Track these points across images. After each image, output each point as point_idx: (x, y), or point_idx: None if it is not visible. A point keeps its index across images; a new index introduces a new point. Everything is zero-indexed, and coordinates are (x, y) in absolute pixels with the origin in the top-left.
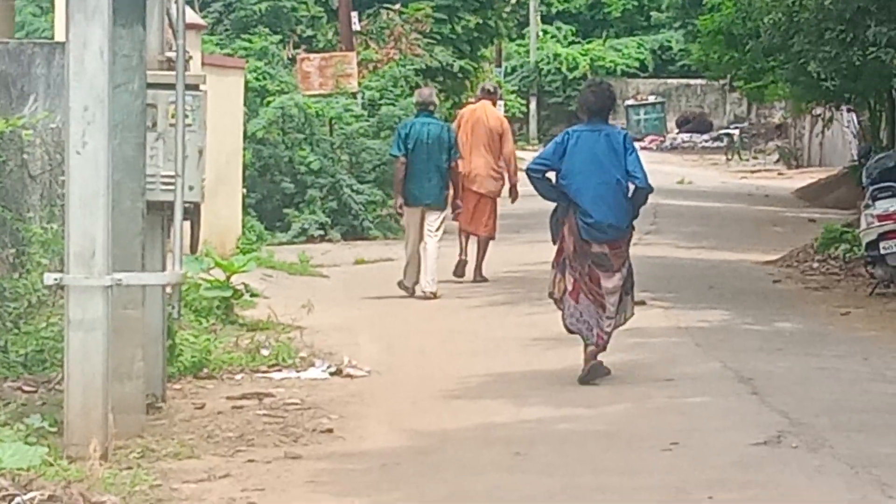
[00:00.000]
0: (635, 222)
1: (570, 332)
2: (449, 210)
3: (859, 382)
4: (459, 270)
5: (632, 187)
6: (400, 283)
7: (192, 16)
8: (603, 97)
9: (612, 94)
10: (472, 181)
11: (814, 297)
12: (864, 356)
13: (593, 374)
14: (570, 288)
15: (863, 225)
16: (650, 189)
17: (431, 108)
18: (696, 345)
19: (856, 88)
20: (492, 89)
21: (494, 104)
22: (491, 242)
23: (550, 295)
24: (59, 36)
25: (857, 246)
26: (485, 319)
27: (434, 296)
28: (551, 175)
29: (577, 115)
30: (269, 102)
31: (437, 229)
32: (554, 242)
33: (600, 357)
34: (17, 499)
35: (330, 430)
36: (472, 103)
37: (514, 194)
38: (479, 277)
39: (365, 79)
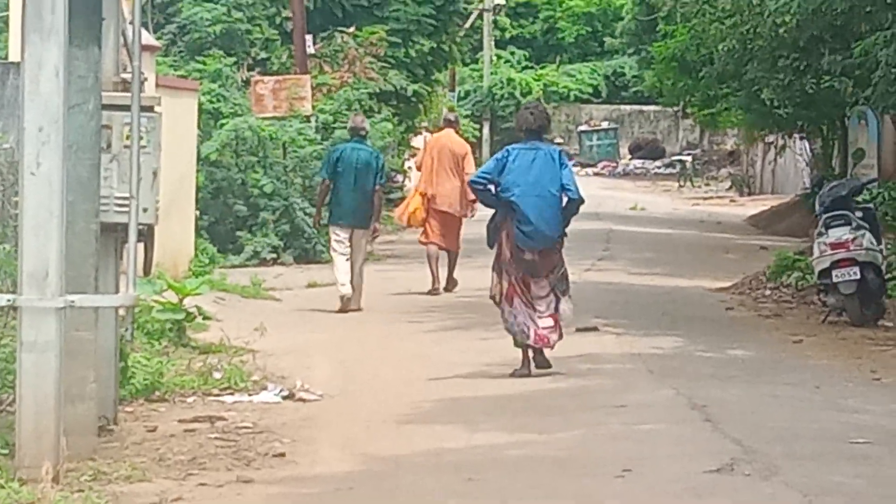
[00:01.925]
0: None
1: (509, 332)
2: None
3: (812, 410)
4: (434, 289)
5: (565, 199)
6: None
7: (146, 37)
8: (540, 118)
9: (547, 115)
10: (442, 202)
11: (766, 325)
12: (817, 384)
13: (538, 364)
14: (505, 292)
15: (815, 253)
16: (582, 200)
17: (363, 133)
18: (648, 371)
19: (809, 116)
20: (453, 118)
21: (457, 132)
22: (442, 268)
23: (492, 297)
24: (13, 56)
25: (810, 274)
26: (438, 344)
27: (359, 310)
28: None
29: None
30: (222, 125)
31: (362, 250)
32: (490, 247)
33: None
34: None
35: (282, 455)
36: (425, 128)
37: (472, 210)
38: (450, 286)
39: (319, 102)
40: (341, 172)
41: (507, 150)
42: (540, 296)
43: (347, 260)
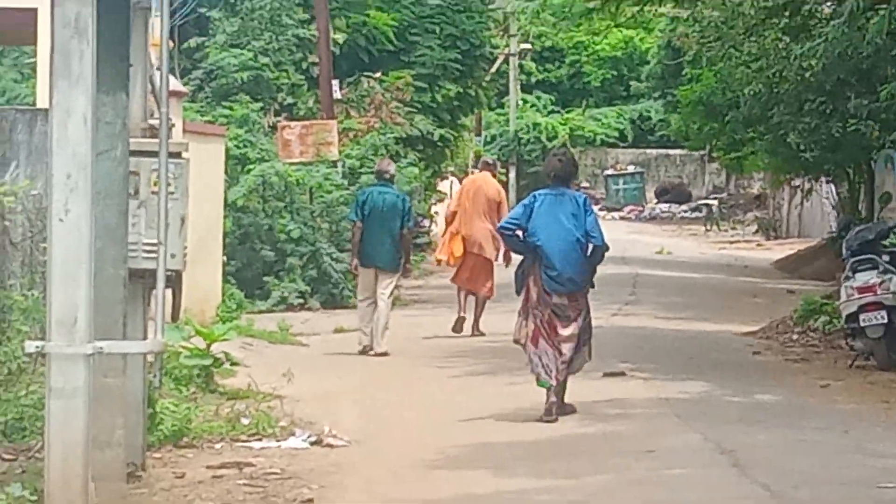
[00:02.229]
0: (616, 291)
1: (534, 373)
2: (399, 274)
3: (840, 455)
4: (458, 326)
5: (590, 246)
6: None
7: (174, 83)
8: (567, 164)
9: (574, 161)
10: (472, 244)
11: (794, 369)
12: (845, 429)
13: (559, 411)
14: (531, 334)
15: (843, 297)
16: (606, 248)
17: (387, 177)
18: (676, 416)
19: (835, 160)
20: (491, 162)
21: (494, 175)
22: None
23: (516, 341)
24: (41, 102)
25: (837, 318)
26: (465, 389)
27: (385, 354)
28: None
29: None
30: (249, 170)
31: (389, 292)
32: (518, 293)
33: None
34: None
35: (310, 501)
36: (451, 173)
37: (507, 259)
38: (476, 332)
39: (345, 147)
40: (368, 215)
41: (534, 196)
42: (565, 337)
43: (370, 305)
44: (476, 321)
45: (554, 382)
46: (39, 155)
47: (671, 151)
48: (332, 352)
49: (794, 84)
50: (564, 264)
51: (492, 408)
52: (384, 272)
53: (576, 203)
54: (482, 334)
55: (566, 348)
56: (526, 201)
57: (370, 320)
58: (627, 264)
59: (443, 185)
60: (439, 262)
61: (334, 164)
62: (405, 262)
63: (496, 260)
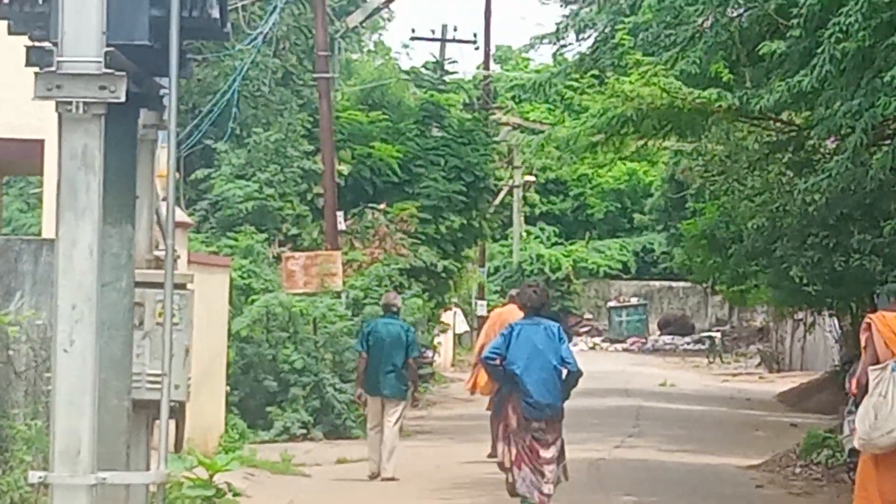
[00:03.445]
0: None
1: (516, 495)
2: (407, 402)
3: None
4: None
5: (565, 371)
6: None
7: (179, 214)
8: (542, 296)
9: (547, 293)
10: None
11: (797, 503)
12: None
13: None
14: (514, 458)
15: (845, 431)
16: (580, 373)
17: (394, 309)
18: None
19: (838, 294)
20: (515, 294)
21: (520, 307)
22: (471, 443)
23: (500, 465)
24: (47, 232)
25: (840, 452)
26: None
27: (393, 479)
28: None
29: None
30: (253, 300)
31: (395, 420)
32: (496, 417)
33: None
34: None
35: None
36: (455, 304)
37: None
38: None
39: (350, 278)
40: (373, 346)
41: (511, 326)
42: (548, 459)
43: (378, 433)
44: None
45: (536, 501)
46: (44, 285)
47: (674, 284)
48: (334, 483)
49: (798, 218)
50: (543, 392)
51: None
52: (390, 400)
53: (551, 332)
54: None
55: (548, 469)
56: (505, 331)
57: (378, 448)
58: (630, 396)
59: (446, 317)
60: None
61: (338, 294)
62: (413, 391)
63: None
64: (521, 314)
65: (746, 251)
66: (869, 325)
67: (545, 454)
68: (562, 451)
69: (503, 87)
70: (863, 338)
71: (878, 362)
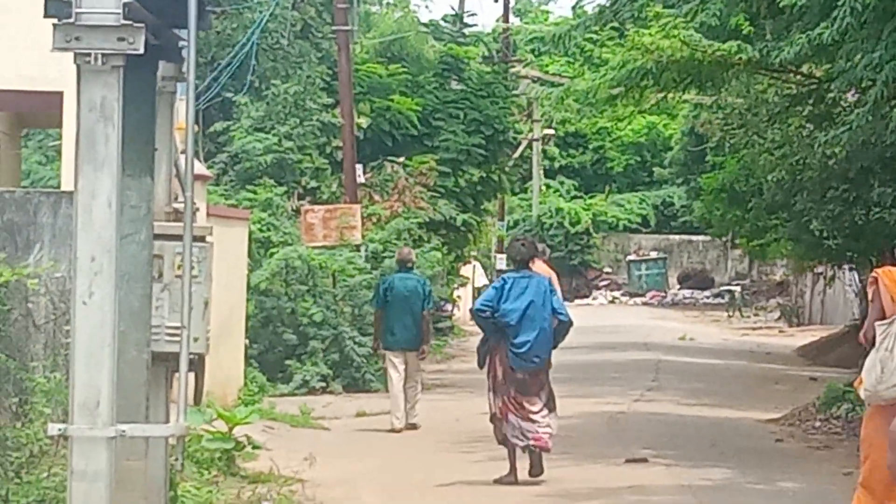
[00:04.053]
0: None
1: (504, 444)
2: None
3: None
4: None
5: (556, 321)
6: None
7: (198, 167)
8: (530, 249)
9: (535, 246)
10: None
11: (816, 457)
12: None
13: (534, 474)
14: (501, 408)
15: None
16: (571, 323)
17: (409, 265)
18: (698, 503)
19: (858, 247)
20: (540, 249)
21: (544, 262)
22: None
23: (491, 417)
24: (66, 185)
25: (860, 405)
26: (487, 474)
27: (415, 427)
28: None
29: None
30: (272, 253)
31: (416, 371)
32: (480, 367)
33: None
34: None
35: None
36: (474, 257)
37: None
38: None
39: (369, 231)
40: (391, 302)
41: (503, 279)
42: (534, 411)
43: (402, 383)
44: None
45: (534, 443)
46: (63, 238)
47: (694, 237)
48: (354, 436)
49: (818, 171)
50: (535, 342)
51: (514, 492)
52: (411, 352)
53: (541, 284)
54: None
55: (538, 416)
56: (497, 284)
57: (401, 405)
58: (650, 350)
59: (465, 270)
60: None
61: (357, 248)
62: (423, 343)
63: None
64: (548, 269)
65: (766, 204)
66: (875, 279)
67: (530, 406)
68: (550, 398)
69: (522, 39)
70: (869, 291)
71: (884, 317)
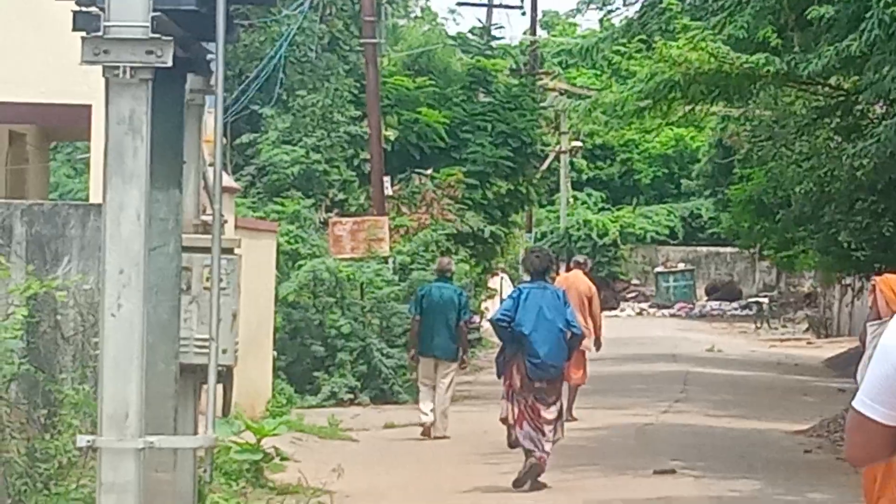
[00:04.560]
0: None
1: (514, 447)
2: (457, 364)
3: None
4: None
5: (569, 334)
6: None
7: (226, 179)
8: (545, 260)
9: (550, 258)
10: None
11: (845, 468)
12: None
13: (531, 475)
14: (516, 417)
15: None
16: (583, 336)
17: (448, 274)
18: None
19: (886, 259)
20: (582, 261)
21: (585, 273)
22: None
23: (503, 420)
24: (94, 197)
25: None
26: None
27: (446, 437)
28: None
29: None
30: (300, 266)
31: (448, 381)
32: (499, 377)
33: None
34: None
35: None
36: (502, 269)
37: (598, 344)
38: (569, 417)
39: (396, 243)
40: (427, 309)
41: (520, 290)
42: (549, 420)
43: (431, 389)
44: (569, 408)
45: (538, 460)
46: (92, 250)
47: (722, 249)
48: (382, 447)
49: (846, 183)
50: (548, 352)
51: (543, 502)
52: (442, 361)
53: (556, 296)
54: (574, 419)
55: (548, 429)
56: (513, 294)
57: (430, 401)
58: (678, 362)
59: (493, 282)
60: None
61: (385, 260)
62: (463, 353)
63: (590, 350)
64: (589, 281)
65: (794, 216)
66: (874, 286)
67: (546, 414)
68: (560, 412)
69: (550, 52)
70: (870, 299)
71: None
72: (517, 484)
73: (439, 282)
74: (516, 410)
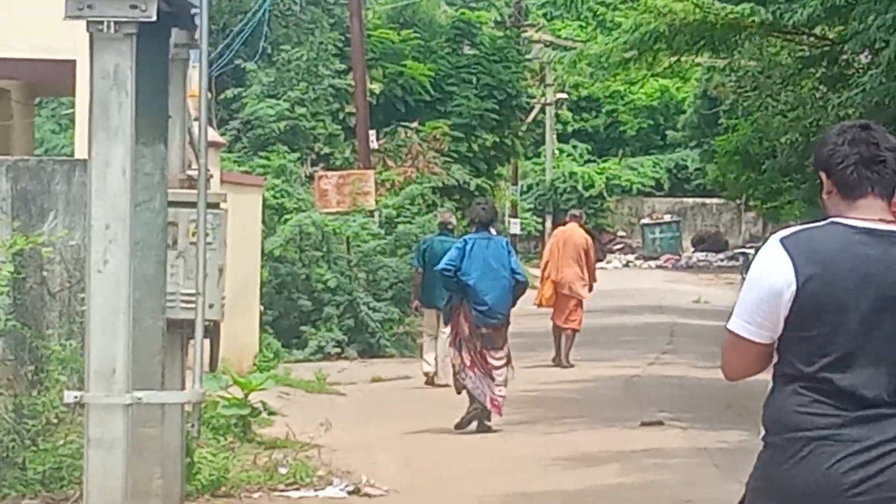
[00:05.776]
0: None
1: (461, 392)
2: None
3: None
4: (557, 362)
5: (514, 282)
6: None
7: (211, 134)
8: (490, 212)
9: (495, 209)
10: (563, 286)
11: None
12: None
13: (476, 418)
14: (467, 363)
15: None
16: (528, 283)
17: (450, 227)
18: (715, 466)
19: None
20: (577, 214)
21: (581, 226)
22: (519, 359)
23: (453, 365)
24: (80, 153)
25: None
26: (503, 438)
27: (447, 386)
28: None
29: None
30: (286, 220)
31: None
32: (446, 324)
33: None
34: None
35: None
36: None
37: (590, 290)
38: (566, 363)
39: (382, 197)
40: (429, 262)
41: (465, 240)
42: (497, 366)
43: (433, 339)
44: (567, 354)
45: (489, 404)
46: (77, 206)
47: (708, 200)
48: (369, 401)
49: None
50: (494, 300)
51: (529, 456)
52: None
53: (500, 245)
54: (571, 366)
55: (497, 374)
56: (459, 245)
57: (433, 351)
58: (664, 313)
59: None
60: (539, 305)
61: (371, 213)
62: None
63: (585, 297)
64: (584, 233)
65: (780, 167)
66: None
67: (493, 361)
68: (508, 356)
69: (535, 4)
70: None
71: None
72: (459, 426)
73: (441, 235)
74: (467, 358)
